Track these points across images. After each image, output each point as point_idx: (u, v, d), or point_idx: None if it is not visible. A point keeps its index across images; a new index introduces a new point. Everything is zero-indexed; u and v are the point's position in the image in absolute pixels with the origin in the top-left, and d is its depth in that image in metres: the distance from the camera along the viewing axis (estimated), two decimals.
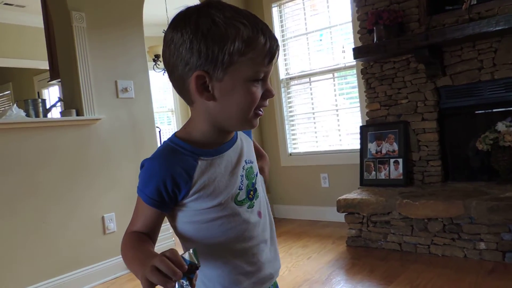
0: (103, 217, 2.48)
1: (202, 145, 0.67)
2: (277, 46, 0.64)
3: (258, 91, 0.63)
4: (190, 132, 0.68)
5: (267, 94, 0.64)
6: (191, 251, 0.54)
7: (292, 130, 3.46)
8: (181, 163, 0.64)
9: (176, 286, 0.52)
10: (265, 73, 0.63)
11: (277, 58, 0.65)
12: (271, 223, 0.75)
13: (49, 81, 2.89)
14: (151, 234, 0.66)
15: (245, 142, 0.74)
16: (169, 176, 0.63)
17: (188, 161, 0.65)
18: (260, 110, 0.65)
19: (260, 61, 0.62)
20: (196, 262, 0.54)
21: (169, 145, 0.67)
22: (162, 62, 4.00)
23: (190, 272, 0.53)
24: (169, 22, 0.65)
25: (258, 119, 0.66)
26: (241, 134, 0.74)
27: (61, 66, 2.51)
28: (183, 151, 0.66)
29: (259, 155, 0.82)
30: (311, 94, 3.37)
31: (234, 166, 0.69)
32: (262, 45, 0.61)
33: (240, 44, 0.60)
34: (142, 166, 0.66)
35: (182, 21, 0.62)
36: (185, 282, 0.52)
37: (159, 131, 4.05)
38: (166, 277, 0.51)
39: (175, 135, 0.69)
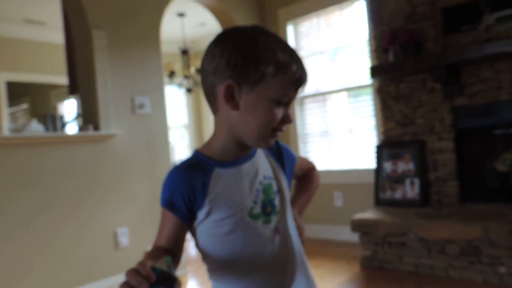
0: (115, 232, 2.51)
1: (220, 157, 0.71)
2: (306, 78, 0.69)
3: (279, 113, 0.67)
4: (211, 145, 0.72)
5: (286, 119, 0.68)
6: (164, 259, 0.55)
7: (306, 147, 3.48)
8: (198, 173, 0.69)
9: None
10: (289, 98, 0.68)
11: (303, 89, 0.69)
12: (299, 249, 0.76)
13: (68, 95, 2.97)
14: (174, 249, 0.69)
15: (266, 160, 0.76)
16: (185, 184, 0.68)
17: (205, 172, 0.69)
18: (277, 132, 0.69)
19: (287, 86, 0.66)
20: (169, 270, 0.54)
21: (191, 158, 0.72)
22: (176, 77, 4.07)
23: (164, 281, 0.53)
24: (216, 36, 0.70)
25: (273, 139, 0.70)
26: (262, 152, 0.76)
27: (81, 82, 2.57)
28: (201, 162, 0.70)
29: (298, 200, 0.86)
30: (326, 112, 3.38)
31: (250, 179, 0.71)
32: (293, 73, 0.66)
33: (274, 67, 0.65)
34: (166, 177, 0.70)
35: (227, 36, 0.68)
36: None
37: (172, 147, 4.09)
38: None
39: (196, 149, 0.74)
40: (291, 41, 3.45)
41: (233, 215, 0.68)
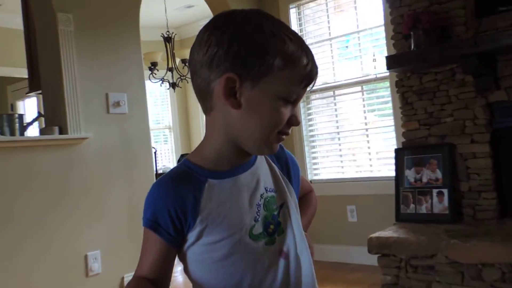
0: (86, 256, 2.48)
1: (214, 166, 0.71)
2: (317, 72, 0.71)
3: (287, 113, 0.69)
4: (203, 151, 0.73)
5: (293, 120, 0.70)
6: None
7: (313, 153, 3.48)
8: (188, 186, 0.69)
9: None
10: (297, 96, 0.69)
11: (313, 85, 0.71)
12: (310, 275, 0.76)
13: (28, 92, 2.96)
14: (159, 278, 0.68)
15: (267, 169, 0.77)
16: (173, 200, 0.68)
17: (196, 184, 0.69)
18: (283, 136, 0.70)
19: (296, 82, 0.68)
20: None
21: (179, 168, 0.72)
22: (158, 70, 4.06)
23: None
24: (210, 21, 0.71)
25: (278, 145, 0.71)
26: (263, 159, 0.77)
27: (43, 76, 2.57)
28: (192, 172, 0.70)
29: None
30: (336, 110, 3.39)
31: (250, 192, 0.72)
32: (303, 66, 0.68)
33: (282, 58, 0.66)
34: (149, 191, 0.71)
35: (226, 20, 0.69)
36: None
37: (155, 152, 4.09)
38: None
39: (185, 158, 0.74)
40: (294, 28, 3.46)
41: (230, 236, 0.68)
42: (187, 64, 4.30)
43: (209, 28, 0.69)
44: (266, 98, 0.67)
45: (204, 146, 0.73)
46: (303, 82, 0.69)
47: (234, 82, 0.67)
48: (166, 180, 0.70)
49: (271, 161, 0.79)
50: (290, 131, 0.71)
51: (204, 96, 0.71)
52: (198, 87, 0.71)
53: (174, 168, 0.73)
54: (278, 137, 0.70)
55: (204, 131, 0.75)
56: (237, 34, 0.66)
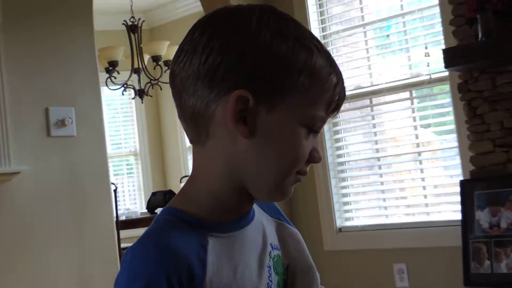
0: None
1: (212, 215, 0.74)
2: (345, 95, 0.75)
3: (308, 145, 0.72)
4: (193, 195, 0.75)
5: (314, 156, 0.73)
6: None
7: (343, 188, 3.44)
8: (188, 243, 0.70)
9: None
10: (322, 123, 0.73)
11: (338, 111, 0.76)
12: None
13: None
14: None
15: (265, 219, 0.82)
16: (175, 262, 0.68)
17: (196, 240, 0.71)
18: (301, 177, 0.74)
19: (323, 105, 0.72)
20: None
21: (167, 220, 0.73)
22: (119, 73, 4.02)
23: None
24: (207, 17, 0.74)
25: (292, 188, 0.74)
26: (255, 208, 0.81)
27: None
28: (188, 225, 0.72)
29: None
30: (374, 126, 3.36)
31: (258, 252, 0.76)
32: (333, 86, 0.72)
33: (309, 74, 0.70)
34: (125, 258, 0.70)
35: (233, 20, 0.72)
36: None
37: (115, 190, 4.06)
38: None
39: (170, 205, 0.75)
40: (313, 10, 3.45)
41: None
42: (160, 63, 4.34)
43: (207, 28, 0.72)
44: (287, 125, 0.70)
45: (195, 188, 0.75)
46: (331, 105, 0.72)
47: (246, 102, 0.69)
48: (156, 238, 0.71)
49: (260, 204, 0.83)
50: (307, 170, 0.74)
51: (197, 121, 0.72)
52: (190, 110, 0.72)
53: (160, 220, 0.74)
54: (296, 178, 0.73)
55: (192, 162, 0.77)
56: (251, 40, 0.69)
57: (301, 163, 0.72)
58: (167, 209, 0.75)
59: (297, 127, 0.70)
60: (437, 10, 3.07)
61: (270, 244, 0.78)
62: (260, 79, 0.69)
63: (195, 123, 0.73)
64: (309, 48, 0.70)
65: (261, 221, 0.80)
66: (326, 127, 3.46)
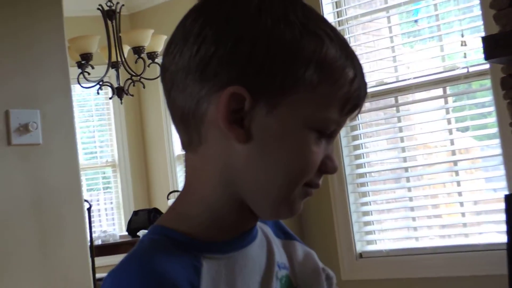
0: None
1: (207, 233, 0.75)
2: (366, 92, 0.75)
3: (319, 152, 0.72)
4: (185, 210, 0.76)
5: (327, 165, 0.73)
6: None
7: (363, 204, 3.45)
8: (178, 267, 0.70)
9: None
10: (336, 127, 0.73)
11: (359, 112, 0.76)
12: None
13: None
14: None
15: (270, 233, 0.84)
16: None
17: (188, 263, 0.72)
18: (311, 189, 0.75)
19: (336, 105, 0.71)
20: None
21: (153, 240, 0.74)
22: (94, 68, 4.03)
23: None
24: (200, 3, 0.76)
25: (302, 203, 0.75)
26: (262, 226, 0.83)
27: None
28: (178, 246, 0.73)
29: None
30: (401, 129, 3.37)
31: (261, 273, 0.77)
32: (349, 81, 0.71)
33: (318, 67, 0.70)
34: (104, 285, 0.71)
35: (229, 4, 0.73)
36: None
37: (88, 208, 4.05)
38: None
39: (157, 223, 0.77)
40: None
41: None
42: (142, 55, 4.35)
43: (200, 15, 0.73)
44: (291, 127, 0.70)
45: (187, 202, 0.76)
46: (347, 105, 0.72)
47: (241, 100, 0.69)
48: (140, 261, 0.71)
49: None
50: (321, 182, 0.74)
51: (187, 123, 0.73)
52: (180, 109, 0.74)
53: (145, 241, 0.75)
54: (305, 191, 0.74)
55: (184, 174, 0.78)
56: (249, 27, 0.70)
57: (310, 173, 0.72)
58: (153, 227, 0.76)
59: (304, 131, 0.70)
60: None
61: (277, 263, 0.79)
62: (259, 73, 0.69)
63: (186, 125, 0.74)
64: (319, 36, 0.70)
65: (266, 236, 0.82)
66: (342, 131, 3.45)
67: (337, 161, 0.75)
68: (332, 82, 0.70)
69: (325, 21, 0.74)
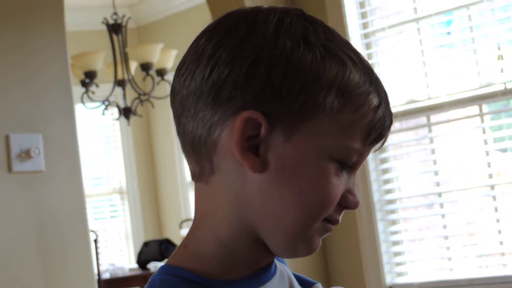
0: None
1: (223, 272, 0.75)
2: (392, 121, 0.76)
3: (340, 185, 0.73)
4: (194, 247, 0.76)
5: (348, 199, 0.74)
6: None
7: (394, 232, 3.47)
8: None
9: None
10: (359, 158, 0.73)
11: (384, 143, 0.77)
12: None
13: None
14: None
15: (291, 274, 0.85)
16: None
17: None
18: (330, 225, 0.75)
19: (359, 134, 0.72)
20: None
21: (163, 281, 0.74)
22: (99, 86, 4.05)
23: None
24: (214, 23, 0.76)
25: (320, 240, 0.76)
26: (280, 265, 0.84)
27: None
28: (192, 286, 0.73)
29: None
30: (433, 151, 3.39)
31: None
32: (373, 109, 0.72)
33: (340, 93, 0.70)
34: None
35: (246, 24, 0.73)
36: None
37: (95, 239, 4.07)
38: None
39: (168, 263, 0.77)
40: (349, 2, 3.46)
41: None
42: (151, 72, 4.35)
43: (214, 35, 0.73)
44: (309, 157, 0.71)
45: (199, 239, 0.76)
46: (370, 135, 0.72)
47: (257, 126, 0.70)
48: None
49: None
50: (341, 218, 0.75)
51: (198, 151, 0.74)
52: (190, 135, 0.74)
53: (156, 281, 0.74)
54: (325, 227, 0.74)
55: (194, 204, 0.77)
56: (266, 48, 0.70)
57: (330, 207, 0.72)
58: (164, 267, 0.76)
59: (323, 161, 0.71)
60: None
61: None
62: (276, 97, 0.70)
63: (197, 153, 0.75)
64: (342, 60, 0.71)
65: (287, 272, 0.83)
66: (371, 155, 3.39)
67: (359, 195, 0.75)
68: (355, 109, 0.71)
69: (348, 44, 0.74)
